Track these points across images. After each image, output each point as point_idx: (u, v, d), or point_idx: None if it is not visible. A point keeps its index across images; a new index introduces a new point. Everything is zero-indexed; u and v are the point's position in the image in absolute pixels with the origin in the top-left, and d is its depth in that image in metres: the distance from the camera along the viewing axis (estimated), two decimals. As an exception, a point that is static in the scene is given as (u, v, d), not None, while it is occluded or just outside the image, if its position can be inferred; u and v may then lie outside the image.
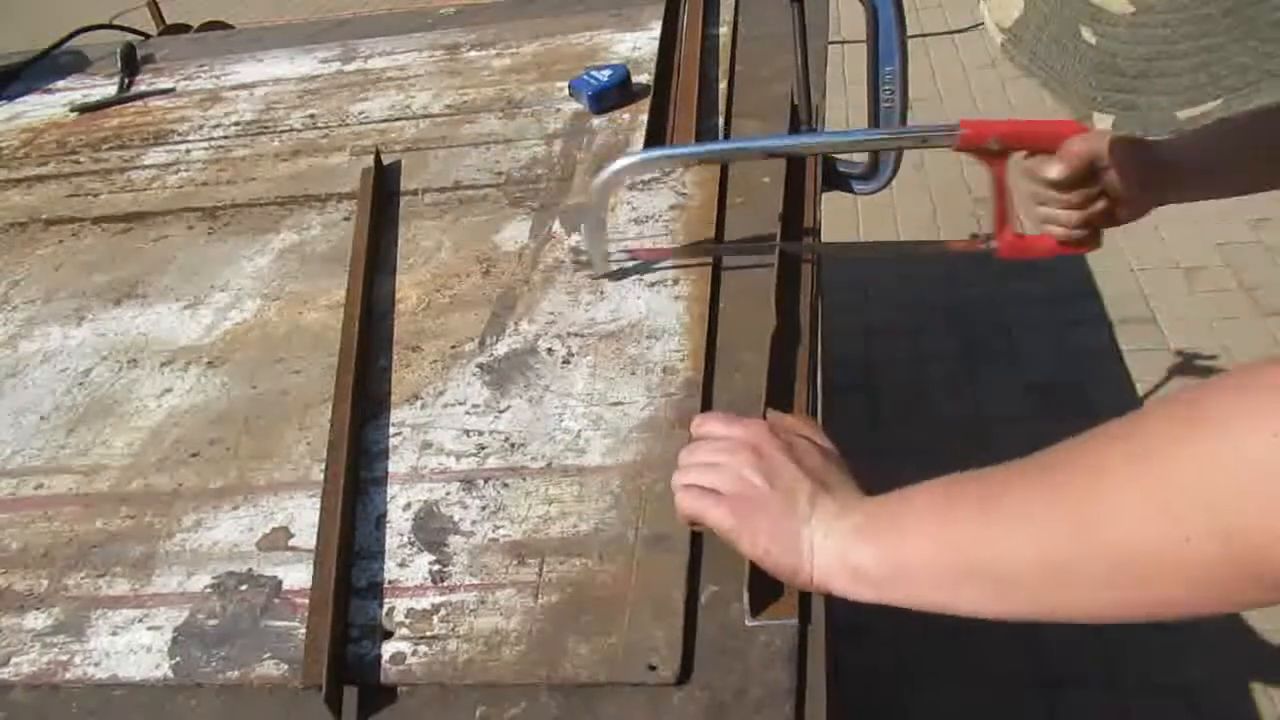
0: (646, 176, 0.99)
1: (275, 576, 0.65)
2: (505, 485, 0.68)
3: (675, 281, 0.84)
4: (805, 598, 0.57)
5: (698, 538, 0.61)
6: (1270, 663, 1.50)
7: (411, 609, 0.61)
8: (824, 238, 0.91)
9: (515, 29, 1.41)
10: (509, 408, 0.75)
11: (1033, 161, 0.76)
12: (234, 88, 1.40)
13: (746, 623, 0.56)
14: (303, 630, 0.60)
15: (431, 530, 0.66)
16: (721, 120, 1.08)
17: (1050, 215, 0.78)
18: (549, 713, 0.55)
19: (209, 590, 0.65)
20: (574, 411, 0.73)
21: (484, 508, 0.67)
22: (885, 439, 2.02)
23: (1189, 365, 2.02)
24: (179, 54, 1.57)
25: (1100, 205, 0.76)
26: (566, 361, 0.78)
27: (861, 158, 1.23)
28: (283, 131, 1.24)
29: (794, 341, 0.76)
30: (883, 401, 2.15)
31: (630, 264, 0.87)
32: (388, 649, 0.59)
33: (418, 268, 0.93)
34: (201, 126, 1.30)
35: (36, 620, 0.65)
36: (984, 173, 0.77)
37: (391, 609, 0.62)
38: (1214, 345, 2.06)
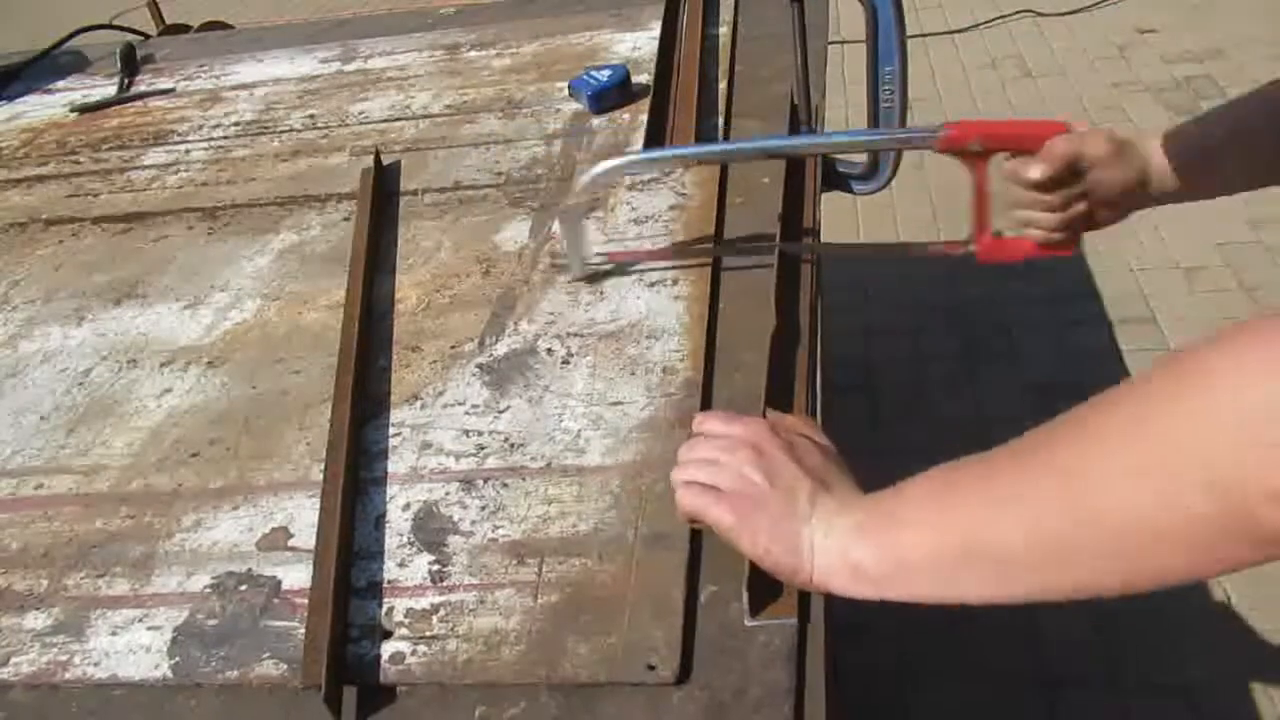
0: (646, 177, 0.99)
1: (275, 576, 0.65)
2: (505, 485, 0.68)
3: (675, 281, 0.84)
4: (805, 597, 0.57)
5: (697, 537, 0.62)
6: (1270, 663, 1.50)
7: (411, 609, 0.61)
8: (824, 238, 0.91)
9: (515, 29, 1.41)
10: (509, 408, 0.75)
11: (1015, 163, 0.76)
12: (234, 88, 1.40)
13: (746, 622, 0.56)
14: (302, 630, 0.60)
15: (431, 530, 0.66)
16: (721, 120, 1.08)
17: (1030, 218, 0.78)
18: (548, 713, 0.55)
19: (209, 590, 0.65)
20: (574, 411, 0.73)
21: (483, 508, 0.67)
22: (885, 439, 2.02)
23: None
24: (179, 54, 1.57)
25: (1081, 207, 0.77)
26: (566, 362, 0.78)
27: (861, 158, 1.23)
28: (283, 132, 1.24)
29: (794, 341, 0.76)
30: (883, 401, 2.15)
31: (606, 266, 0.87)
32: (387, 649, 0.59)
33: (417, 268, 0.93)
34: (201, 127, 1.30)
35: (36, 620, 0.65)
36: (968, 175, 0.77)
37: (391, 609, 0.62)
38: (1214, 345, 2.06)
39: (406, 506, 0.68)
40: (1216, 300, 2.19)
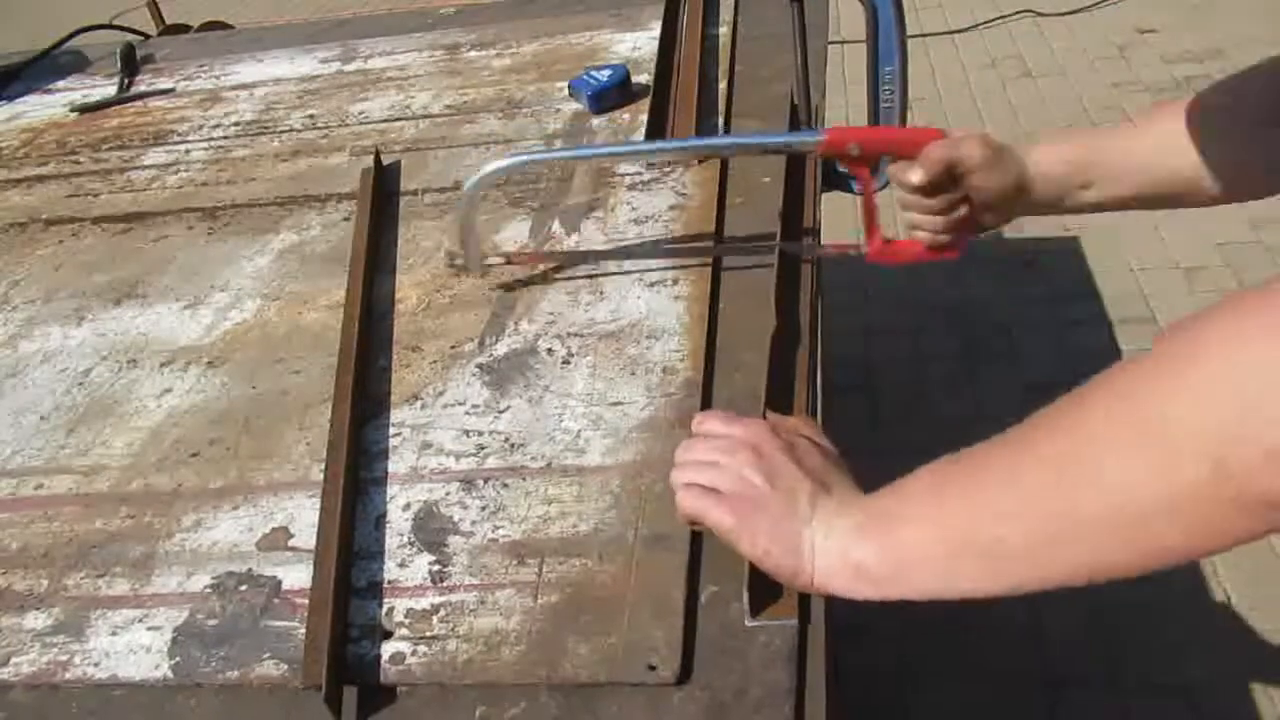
0: (648, 176, 0.99)
1: (275, 576, 0.65)
2: (505, 485, 0.68)
3: (675, 281, 0.84)
4: (805, 598, 0.56)
5: (697, 538, 0.61)
6: (1270, 663, 1.50)
7: (411, 609, 0.61)
8: (824, 238, 0.91)
9: (515, 29, 1.41)
10: (509, 408, 0.75)
11: (896, 167, 0.79)
12: (234, 88, 1.40)
13: (746, 623, 0.56)
14: (302, 630, 0.60)
15: (431, 530, 0.66)
16: (721, 120, 1.08)
17: (915, 220, 0.81)
18: (549, 713, 0.55)
19: (209, 590, 0.65)
20: (574, 411, 0.73)
21: (484, 508, 0.67)
22: (885, 439, 2.02)
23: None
24: (179, 54, 1.58)
25: (963, 211, 0.79)
26: (566, 362, 0.78)
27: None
28: (282, 132, 1.24)
29: (794, 341, 0.76)
30: (883, 401, 2.15)
31: (506, 266, 0.88)
32: (387, 649, 0.59)
33: (417, 268, 0.93)
34: (201, 127, 1.30)
35: (36, 620, 0.65)
36: None
37: (391, 609, 0.62)
38: (1214, 345, 2.06)
39: (407, 506, 0.68)
40: (1216, 300, 2.19)
